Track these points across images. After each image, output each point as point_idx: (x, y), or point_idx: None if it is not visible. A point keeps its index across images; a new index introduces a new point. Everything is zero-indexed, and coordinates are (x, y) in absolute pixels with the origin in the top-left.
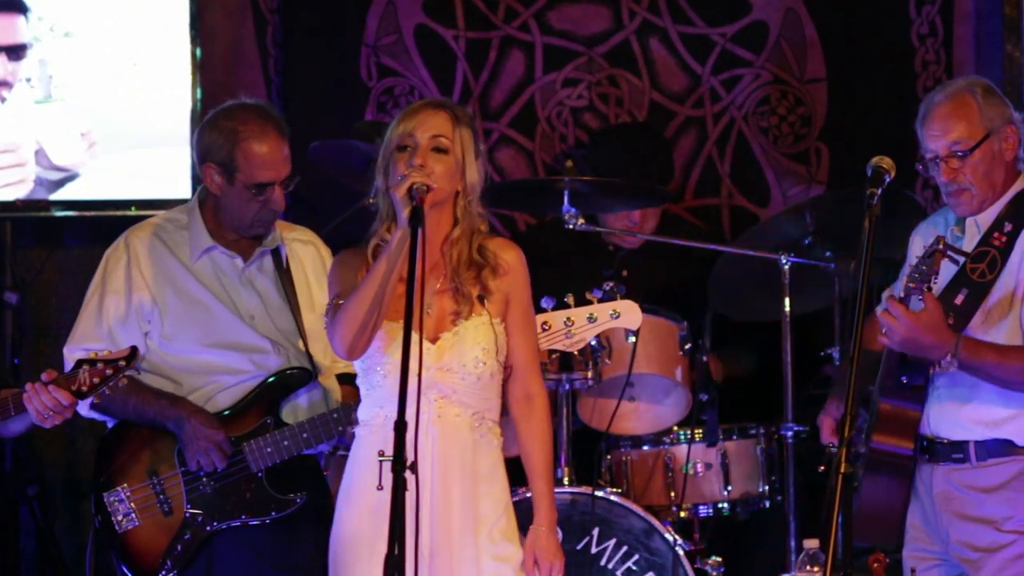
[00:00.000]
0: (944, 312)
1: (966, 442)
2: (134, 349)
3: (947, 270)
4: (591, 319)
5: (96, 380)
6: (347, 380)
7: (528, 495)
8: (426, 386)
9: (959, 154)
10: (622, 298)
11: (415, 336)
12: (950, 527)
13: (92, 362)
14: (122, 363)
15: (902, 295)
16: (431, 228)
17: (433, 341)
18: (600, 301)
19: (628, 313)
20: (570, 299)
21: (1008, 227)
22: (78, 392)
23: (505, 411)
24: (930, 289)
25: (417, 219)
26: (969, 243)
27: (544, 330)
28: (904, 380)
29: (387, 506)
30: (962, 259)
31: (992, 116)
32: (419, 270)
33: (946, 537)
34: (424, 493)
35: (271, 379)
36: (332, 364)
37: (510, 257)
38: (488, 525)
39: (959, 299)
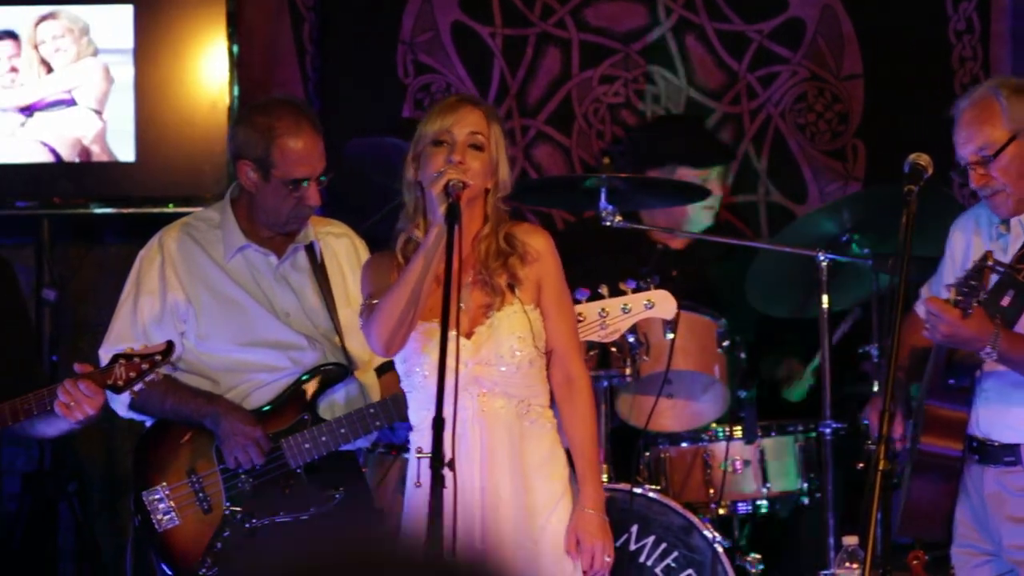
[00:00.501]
0: (989, 313)
1: (1018, 445)
2: (170, 344)
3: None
4: (625, 309)
5: (132, 374)
6: (388, 367)
7: None
8: (467, 382)
9: (986, 159)
10: (656, 288)
11: (451, 334)
12: (1001, 529)
13: (128, 357)
14: (157, 357)
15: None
16: (464, 224)
17: (468, 336)
18: (634, 292)
19: (662, 302)
20: (604, 290)
21: None
22: (114, 387)
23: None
24: (980, 304)
25: (453, 216)
26: (1015, 241)
27: (579, 321)
28: (951, 383)
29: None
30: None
31: (1019, 117)
32: (455, 267)
33: (997, 537)
34: (475, 490)
35: (307, 376)
36: (370, 359)
37: (537, 243)
38: (544, 514)
39: (1005, 300)
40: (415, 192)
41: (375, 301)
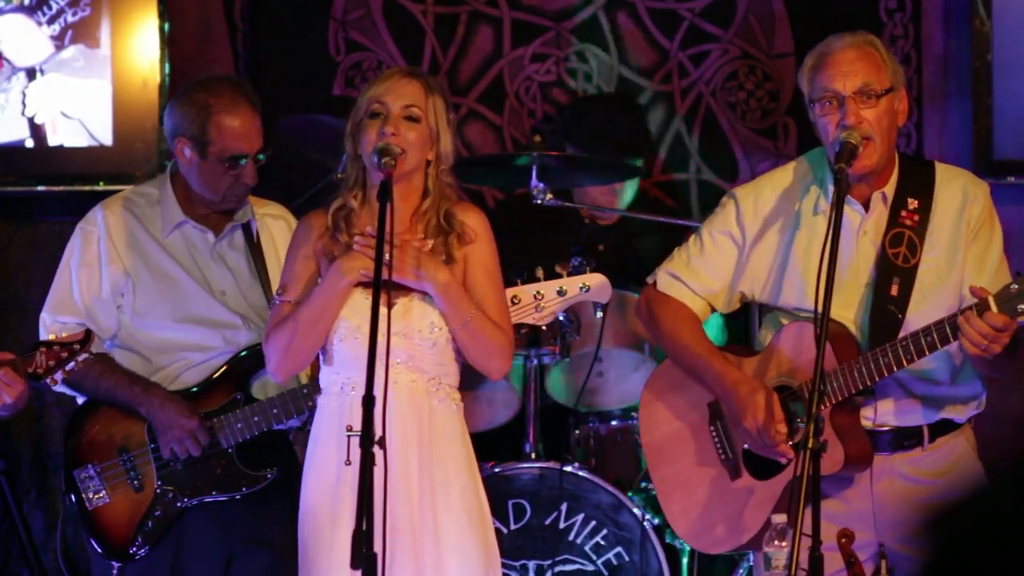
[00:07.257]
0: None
1: None
2: (88, 332)
3: (865, 253)
4: (560, 292)
5: (51, 363)
6: None
7: (495, 470)
8: (382, 350)
9: (870, 95)
10: (592, 271)
11: (368, 300)
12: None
13: (49, 344)
14: (76, 347)
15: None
16: (400, 197)
17: (390, 307)
18: (570, 275)
19: (598, 287)
20: (540, 273)
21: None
22: (34, 375)
23: (466, 386)
24: None
25: (386, 194)
26: (877, 217)
27: (514, 304)
28: None
29: (348, 480)
30: None
31: (894, 74)
32: (388, 244)
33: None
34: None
35: (241, 355)
36: None
37: (474, 221)
38: (454, 489)
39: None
40: (356, 164)
41: (287, 299)
